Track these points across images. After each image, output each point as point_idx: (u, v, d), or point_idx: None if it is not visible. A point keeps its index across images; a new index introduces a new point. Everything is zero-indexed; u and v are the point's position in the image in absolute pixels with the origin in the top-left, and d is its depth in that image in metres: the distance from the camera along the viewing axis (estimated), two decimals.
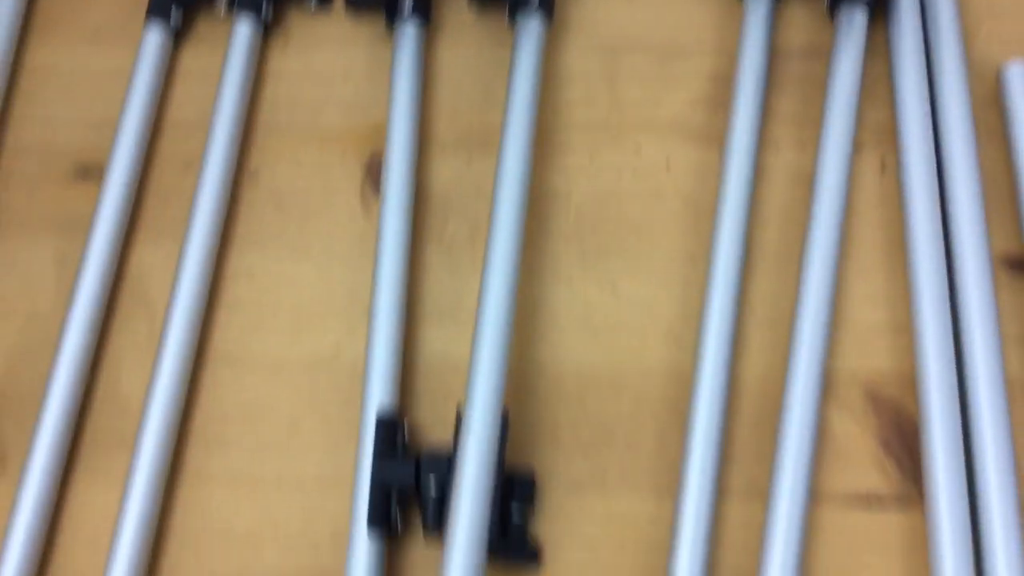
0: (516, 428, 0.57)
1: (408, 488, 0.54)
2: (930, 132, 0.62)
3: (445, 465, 0.53)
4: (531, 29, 0.65)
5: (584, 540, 0.55)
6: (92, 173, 0.66)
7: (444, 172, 0.65)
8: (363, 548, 0.54)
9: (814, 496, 0.55)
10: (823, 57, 0.65)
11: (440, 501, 0.53)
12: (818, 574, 0.53)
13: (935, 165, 0.61)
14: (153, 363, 0.59)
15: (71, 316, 0.60)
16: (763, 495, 0.54)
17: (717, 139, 0.64)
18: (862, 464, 0.55)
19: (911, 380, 0.57)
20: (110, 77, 0.69)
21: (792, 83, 0.65)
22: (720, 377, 0.56)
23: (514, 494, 0.55)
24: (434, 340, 0.60)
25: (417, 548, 0.56)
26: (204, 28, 0.71)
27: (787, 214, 0.62)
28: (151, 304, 0.62)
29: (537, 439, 0.57)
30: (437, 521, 0.52)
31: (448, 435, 0.56)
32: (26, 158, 0.67)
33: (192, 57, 0.70)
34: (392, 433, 0.55)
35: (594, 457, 0.57)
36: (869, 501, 0.55)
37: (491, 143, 0.65)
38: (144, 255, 0.64)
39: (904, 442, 0.56)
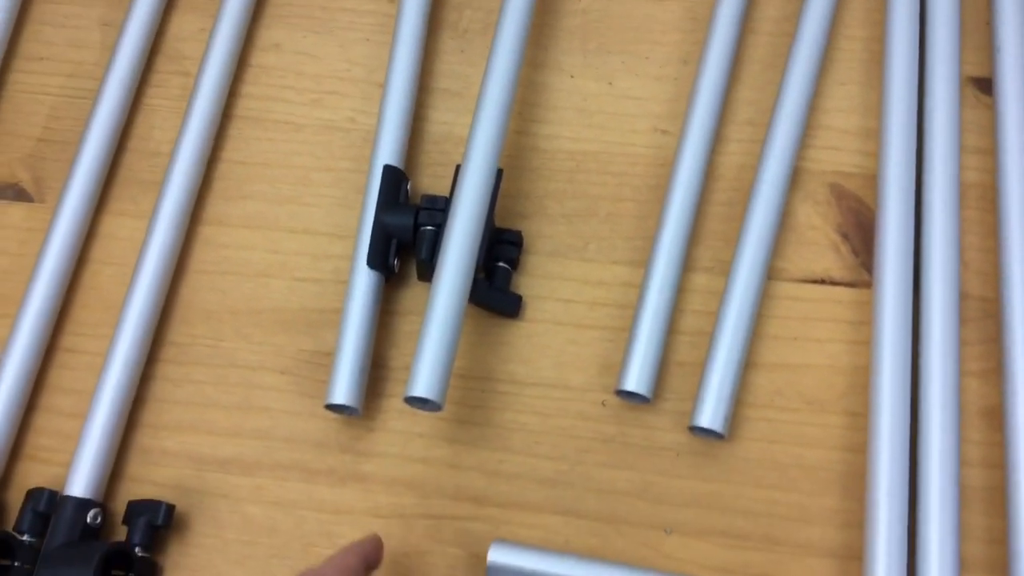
0: (508, 196, 0.60)
1: (406, 232, 0.56)
2: None
3: (442, 210, 0.56)
4: None
5: (560, 297, 0.58)
6: None
7: None
8: (361, 286, 0.56)
9: (773, 274, 0.57)
10: None
11: (434, 240, 0.55)
12: (768, 339, 0.56)
13: None
14: (183, 117, 0.61)
15: (112, 69, 0.63)
16: (726, 271, 0.57)
17: None
18: (821, 249, 0.58)
19: (874, 180, 0.58)
20: None
21: None
22: (698, 165, 0.58)
23: (501, 251, 0.57)
24: (441, 116, 0.63)
25: (411, 288, 0.58)
26: None
27: (778, 26, 0.63)
28: (185, 66, 0.65)
29: (527, 207, 0.60)
30: (429, 255, 0.55)
31: (444, 192, 0.59)
32: None
33: None
34: (396, 182, 0.58)
35: (577, 226, 0.59)
36: (823, 281, 0.57)
37: None
38: (183, 22, 0.66)
39: (861, 233, 0.58)
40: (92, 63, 0.65)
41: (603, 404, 0.55)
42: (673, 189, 0.58)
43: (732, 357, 0.54)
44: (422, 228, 0.56)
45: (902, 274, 0.55)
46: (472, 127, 0.57)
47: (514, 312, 0.57)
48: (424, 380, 0.50)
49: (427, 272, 0.56)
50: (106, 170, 0.61)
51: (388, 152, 0.59)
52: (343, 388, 0.54)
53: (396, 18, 0.63)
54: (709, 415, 0.53)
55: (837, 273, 0.57)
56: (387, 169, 0.58)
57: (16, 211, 0.61)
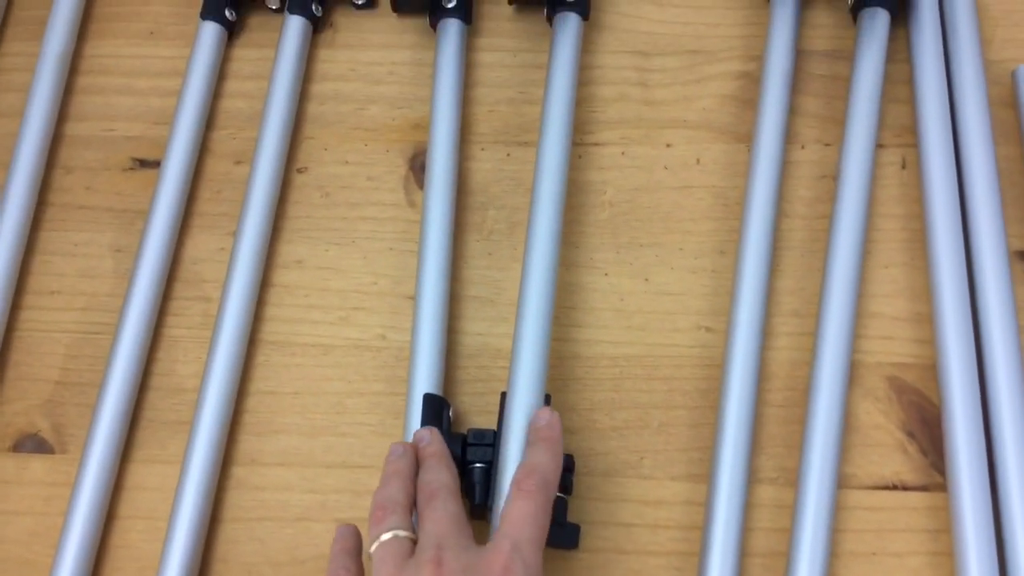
0: (553, 410, 0.54)
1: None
2: (949, 131, 0.59)
3: (490, 445, 0.51)
4: (568, 26, 0.62)
5: (619, 522, 0.52)
6: (148, 164, 0.63)
7: (484, 165, 0.62)
8: None
9: (842, 481, 0.52)
10: (846, 58, 0.62)
11: (485, 480, 0.50)
12: (846, 556, 0.51)
13: (954, 162, 0.58)
14: (208, 348, 0.56)
15: (129, 301, 0.58)
16: (791, 480, 0.52)
17: (745, 136, 0.61)
18: (887, 451, 0.53)
19: (933, 370, 0.54)
20: (166, 72, 0.66)
21: (816, 83, 0.62)
22: (750, 365, 0.54)
23: None
24: (475, 327, 0.58)
25: None
26: (256, 22, 0.67)
27: (812, 208, 0.59)
28: (205, 291, 0.59)
29: (574, 421, 0.55)
30: (484, 498, 0.49)
31: (489, 419, 0.54)
32: (85, 149, 0.64)
33: (244, 51, 0.67)
34: (439, 410, 0.53)
35: (630, 440, 0.54)
36: (894, 486, 0.52)
37: (527, 138, 0.62)
38: (198, 243, 0.61)
39: (927, 430, 0.53)
40: (106, 294, 0.60)
41: None
42: (726, 393, 0.53)
43: None
44: (471, 466, 0.50)
45: (977, 475, 0.50)
46: (514, 350, 0.52)
47: (574, 544, 0.51)
48: None
49: (480, 511, 0.50)
50: (130, 413, 0.56)
51: (425, 375, 0.54)
52: None
53: (421, 224, 0.58)
54: None
55: (908, 477, 0.52)
56: (428, 399, 0.53)
57: (37, 465, 0.56)
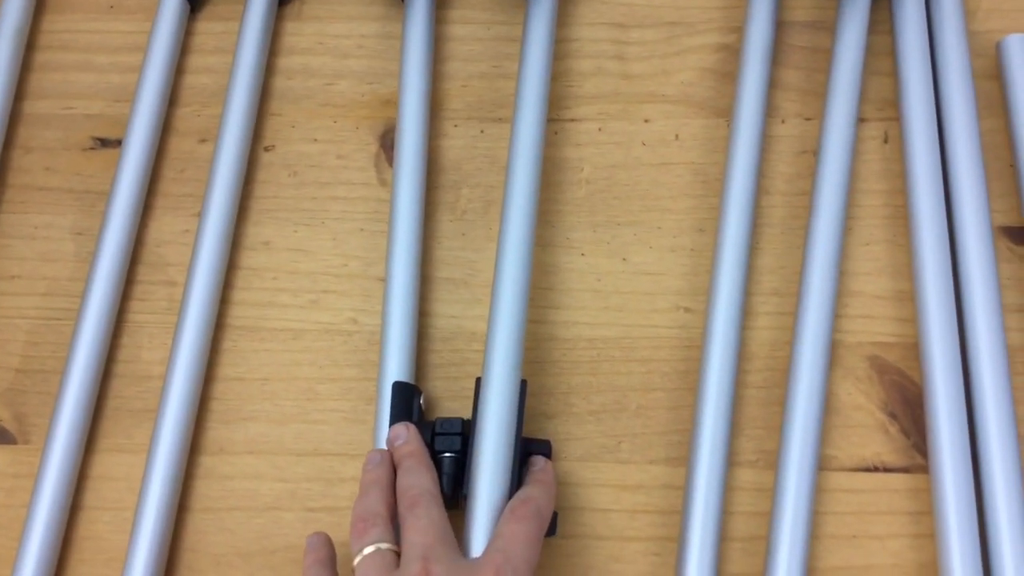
0: (530, 395, 0.53)
1: None
2: (932, 104, 0.57)
3: (459, 434, 0.49)
4: None
5: (597, 508, 0.51)
6: (109, 143, 0.61)
7: (457, 142, 0.60)
8: None
9: (822, 463, 0.51)
10: (827, 30, 0.61)
11: (456, 468, 0.48)
12: (827, 539, 0.50)
13: (937, 137, 0.57)
14: (173, 333, 0.54)
15: (91, 286, 0.56)
16: (771, 463, 0.51)
17: (724, 111, 0.59)
18: (868, 432, 0.52)
19: (915, 349, 0.53)
20: (127, 47, 0.63)
21: (797, 55, 0.60)
22: (729, 346, 0.52)
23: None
24: (449, 309, 0.56)
25: None
26: None
27: (792, 184, 0.57)
28: (169, 274, 0.58)
29: (551, 406, 0.53)
30: (452, 488, 0.48)
31: (464, 404, 0.53)
32: (44, 129, 0.62)
33: (207, 24, 0.64)
34: (408, 399, 0.51)
35: (607, 424, 0.53)
36: (876, 468, 0.51)
37: (501, 114, 0.60)
38: (162, 225, 0.59)
39: (909, 410, 0.52)
40: (67, 278, 0.58)
41: None
42: (705, 375, 0.52)
43: (793, 566, 0.48)
44: (441, 455, 0.49)
45: (960, 456, 0.49)
46: (489, 334, 0.51)
47: (552, 531, 0.50)
48: None
49: (450, 503, 0.49)
50: (93, 401, 0.54)
51: (396, 360, 0.53)
52: None
53: (391, 203, 0.56)
54: None
55: (889, 458, 0.51)
56: (396, 387, 0.51)
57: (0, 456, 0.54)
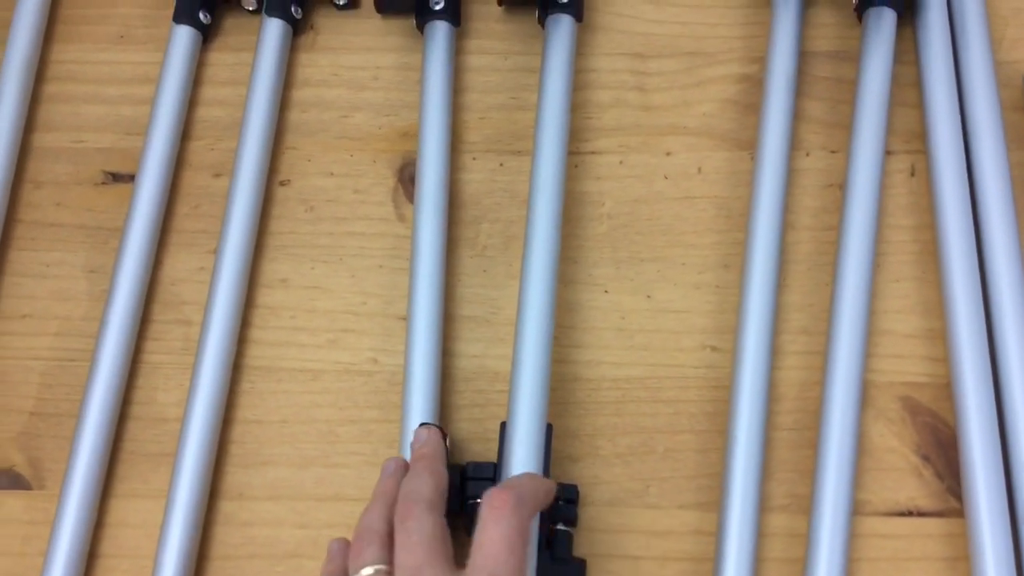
0: (555, 438, 0.52)
1: (453, 504, 0.48)
2: (959, 136, 0.56)
3: (491, 477, 0.48)
4: (561, 29, 0.58)
5: (626, 555, 0.50)
6: (121, 178, 0.60)
7: (476, 176, 0.59)
8: None
9: (856, 507, 0.50)
10: (851, 60, 0.59)
11: None
12: None
13: (965, 169, 0.56)
14: (190, 374, 0.53)
15: (105, 326, 0.54)
16: (804, 508, 0.50)
17: (747, 143, 0.58)
18: (902, 475, 0.51)
19: (947, 389, 0.52)
20: (138, 78, 0.62)
21: (821, 86, 0.59)
22: (758, 386, 0.51)
23: (558, 510, 0.49)
24: (471, 348, 0.55)
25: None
26: (232, 24, 0.63)
27: (818, 219, 0.56)
28: (185, 313, 0.56)
29: (576, 449, 0.52)
30: None
31: (488, 447, 0.52)
32: (53, 162, 0.60)
33: (220, 55, 0.63)
34: None
35: (635, 467, 0.52)
36: (910, 512, 0.50)
37: (520, 147, 0.59)
38: (177, 263, 0.58)
39: (942, 453, 0.51)
40: (80, 317, 0.56)
41: None
42: (735, 417, 0.51)
43: None
44: (471, 502, 0.48)
45: (995, 499, 0.48)
46: (513, 377, 0.50)
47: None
48: None
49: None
50: (109, 445, 0.53)
51: (420, 401, 0.51)
52: None
53: (412, 240, 0.55)
54: None
55: (923, 502, 0.50)
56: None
57: (14, 502, 0.53)
